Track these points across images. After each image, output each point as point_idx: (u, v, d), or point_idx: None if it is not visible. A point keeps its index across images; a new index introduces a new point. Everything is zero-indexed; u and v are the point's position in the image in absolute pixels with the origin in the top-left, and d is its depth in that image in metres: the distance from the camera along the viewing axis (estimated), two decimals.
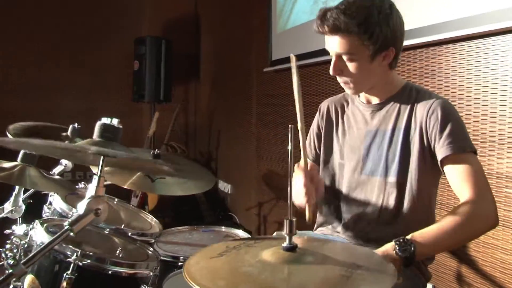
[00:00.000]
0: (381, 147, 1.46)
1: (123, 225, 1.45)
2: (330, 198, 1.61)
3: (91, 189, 0.93)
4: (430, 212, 1.49)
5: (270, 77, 3.63)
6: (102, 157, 0.85)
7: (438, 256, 2.06)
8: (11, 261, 0.81)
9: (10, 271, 0.81)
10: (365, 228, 1.50)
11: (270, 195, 3.80)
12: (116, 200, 1.79)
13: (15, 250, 1.26)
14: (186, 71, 5.34)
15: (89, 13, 4.89)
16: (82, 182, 1.98)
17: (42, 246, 0.85)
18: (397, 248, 1.21)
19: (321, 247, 0.97)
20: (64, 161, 1.71)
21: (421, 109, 1.40)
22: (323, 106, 1.67)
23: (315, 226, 1.70)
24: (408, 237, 1.24)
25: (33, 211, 1.71)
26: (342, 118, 1.60)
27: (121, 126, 1.06)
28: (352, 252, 1.00)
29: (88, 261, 1.14)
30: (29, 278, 1.15)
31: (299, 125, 1.29)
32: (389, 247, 1.23)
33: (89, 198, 0.92)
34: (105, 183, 1.98)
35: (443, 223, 1.27)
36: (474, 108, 1.88)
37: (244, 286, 0.80)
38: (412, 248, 1.20)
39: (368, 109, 1.52)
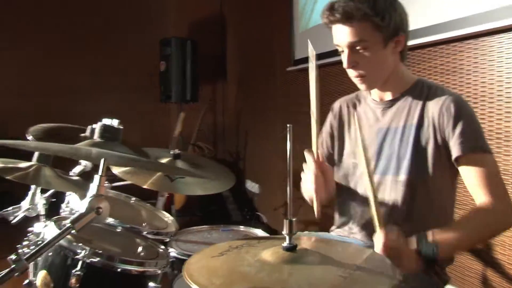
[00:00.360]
0: (393, 145, 1.43)
1: (136, 224, 1.48)
2: (345, 199, 1.59)
3: (92, 188, 0.96)
4: (447, 212, 1.45)
5: (294, 76, 3.62)
6: (103, 158, 0.87)
7: (462, 258, 2.01)
8: (13, 257, 0.84)
9: (13, 266, 0.85)
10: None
11: (296, 194, 3.78)
12: (133, 199, 1.82)
13: (31, 247, 1.31)
14: (213, 71, 5.38)
15: (116, 15, 5.01)
16: (106, 182, 2.03)
17: (44, 243, 0.88)
18: (421, 247, 1.17)
19: (324, 248, 0.97)
20: (83, 162, 1.76)
21: (433, 105, 1.37)
22: (336, 105, 1.66)
23: (333, 227, 1.69)
24: (430, 237, 1.19)
25: (55, 209, 1.77)
26: (354, 117, 1.58)
27: (121, 127, 1.07)
28: (355, 253, 0.99)
29: (98, 259, 1.17)
30: (42, 273, 1.19)
31: (313, 117, 1.29)
32: (413, 245, 1.19)
33: (90, 197, 0.94)
34: (125, 183, 2.04)
35: (463, 226, 1.27)
36: (497, 105, 1.82)
37: (239, 285, 0.80)
38: (435, 249, 1.17)
39: (380, 107, 1.50)
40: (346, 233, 1.60)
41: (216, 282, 0.82)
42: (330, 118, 1.65)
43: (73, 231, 0.90)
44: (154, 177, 1.82)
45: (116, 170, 1.75)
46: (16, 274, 0.87)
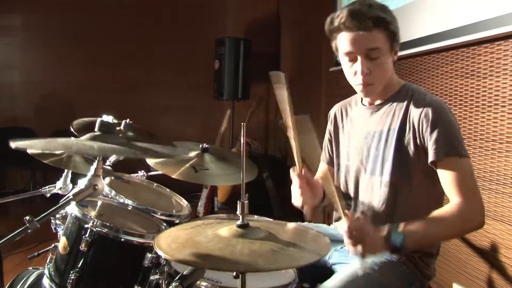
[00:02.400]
0: (378, 148, 1.51)
1: (150, 206, 1.69)
2: (343, 198, 1.70)
3: (91, 169, 1.17)
4: (431, 211, 1.51)
5: (336, 76, 3.69)
6: (97, 147, 1.07)
7: (472, 260, 2.03)
8: (27, 217, 1.07)
9: (27, 225, 1.07)
10: None
11: None
12: (155, 184, 2.04)
13: (62, 219, 1.57)
14: (266, 70, 5.53)
15: (176, 16, 5.38)
16: (142, 171, 2.26)
17: (51, 210, 1.10)
18: (389, 235, 1.26)
19: (275, 229, 1.10)
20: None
21: (414, 110, 1.43)
22: (332, 112, 1.75)
23: (333, 220, 1.80)
24: (400, 228, 1.28)
25: None
26: (346, 122, 1.67)
27: (116, 121, 1.27)
28: (300, 234, 1.12)
29: (105, 229, 1.39)
30: (63, 239, 1.43)
31: (290, 134, 1.41)
32: (385, 231, 1.28)
33: (89, 176, 1.16)
34: (156, 172, 2.26)
35: (432, 220, 1.32)
36: (509, 109, 1.84)
37: (189, 249, 0.97)
38: (402, 239, 1.25)
39: (369, 111, 1.57)
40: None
41: (173, 246, 0.99)
42: (328, 125, 1.76)
43: (73, 202, 1.12)
44: (182, 168, 2.02)
45: (149, 162, 1.97)
46: (29, 231, 1.09)
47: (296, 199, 1.52)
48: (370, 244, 1.25)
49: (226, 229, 1.06)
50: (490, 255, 1.95)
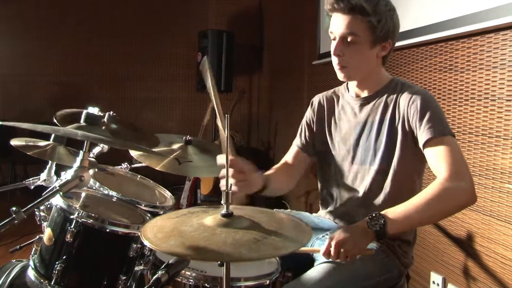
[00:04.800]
0: (370, 138, 1.56)
1: (134, 197, 1.71)
2: (324, 185, 1.74)
3: (77, 160, 1.18)
4: (415, 192, 1.54)
5: (319, 69, 3.72)
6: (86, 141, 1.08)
7: (449, 249, 2.09)
8: (14, 208, 1.08)
9: (13, 216, 1.08)
10: (351, 211, 1.61)
11: (316, 184, 3.91)
12: (138, 176, 2.06)
13: (47, 211, 1.57)
14: (249, 63, 5.57)
15: (158, 9, 5.35)
16: (126, 163, 2.27)
17: (37, 201, 1.11)
18: (368, 221, 1.31)
19: (259, 217, 1.13)
20: (101, 144, 1.98)
21: (403, 100, 1.49)
22: (315, 100, 1.78)
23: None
24: (382, 212, 1.32)
25: None
26: (333, 112, 1.71)
27: (101, 114, 1.29)
28: (282, 223, 1.15)
29: (90, 220, 1.40)
30: (47, 230, 1.44)
31: (218, 122, 1.41)
32: (362, 222, 1.34)
33: (75, 168, 1.17)
34: (140, 165, 2.27)
35: (416, 199, 1.33)
36: (484, 103, 1.90)
37: (174, 238, 0.99)
38: (383, 222, 1.29)
39: (357, 102, 1.62)
40: (324, 214, 1.74)
41: (158, 236, 1.02)
42: (309, 112, 1.78)
43: (60, 193, 1.13)
44: (166, 160, 2.03)
45: (133, 154, 1.98)
46: (16, 222, 1.10)
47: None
48: (353, 244, 1.30)
49: (211, 219, 1.09)
50: (466, 244, 2.01)
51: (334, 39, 1.51)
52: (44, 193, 1.13)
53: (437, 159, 1.38)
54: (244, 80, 5.59)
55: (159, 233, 1.04)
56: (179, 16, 5.36)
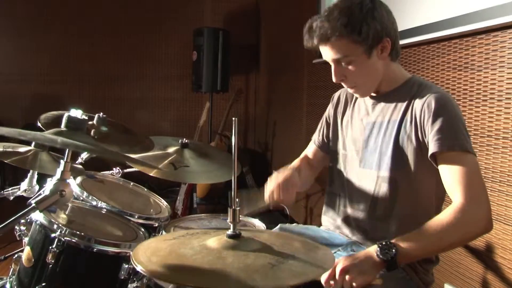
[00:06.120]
0: (377, 140, 1.44)
1: (127, 208, 1.54)
2: (333, 189, 1.61)
3: (58, 172, 1.02)
4: (432, 211, 1.41)
5: (320, 68, 3.59)
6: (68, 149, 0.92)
7: (465, 260, 1.96)
8: None
9: None
10: (363, 225, 1.48)
11: (316, 188, 3.77)
12: (131, 184, 1.89)
13: (27, 224, 1.40)
14: (246, 62, 5.42)
15: (154, 5, 5.15)
16: (117, 168, 2.10)
17: (9, 220, 0.95)
18: (378, 251, 1.19)
19: (270, 239, 0.98)
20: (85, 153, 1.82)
21: (418, 103, 1.35)
22: (336, 95, 1.68)
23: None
24: (393, 240, 1.21)
25: None
26: (349, 109, 1.60)
27: (85, 118, 1.12)
28: (299, 245, 0.99)
29: (75, 238, 1.23)
30: (26, 249, 1.28)
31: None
32: (372, 249, 1.21)
33: (55, 181, 1.00)
34: (130, 170, 2.11)
35: (430, 227, 1.22)
36: (506, 103, 1.76)
37: (172, 263, 0.84)
38: (394, 251, 1.17)
39: (370, 101, 1.51)
40: (332, 226, 1.60)
41: (153, 260, 0.86)
42: (329, 107, 1.68)
43: (37, 211, 0.97)
44: (161, 165, 1.88)
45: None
46: None
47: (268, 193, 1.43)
48: (358, 272, 1.16)
49: (214, 240, 0.93)
50: (484, 256, 1.87)
51: (330, 65, 1.41)
52: (21, 212, 0.96)
53: (451, 180, 1.25)
54: (241, 79, 5.44)
55: (153, 256, 0.88)
56: (174, 13, 5.19)
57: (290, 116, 4.41)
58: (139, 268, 0.84)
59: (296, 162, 1.69)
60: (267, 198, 1.43)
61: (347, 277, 1.14)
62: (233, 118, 0.96)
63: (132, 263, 0.86)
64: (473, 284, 1.93)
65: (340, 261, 1.18)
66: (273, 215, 3.85)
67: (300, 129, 4.05)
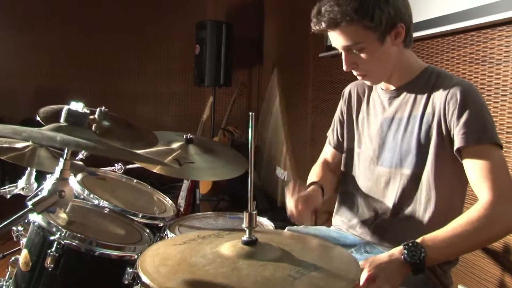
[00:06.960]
0: (396, 136, 1.36)
1: (130, 208, 1.46)
2: (346, 188, 1.53)
3: (57, 171, 0.94)
4: (456, 207, 1.34)
5: (326, 62, 3.50)
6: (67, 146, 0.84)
7: (482, 261, 1.89)
8: None
9: None
10: (382, 225, 1.40)
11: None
12: (134, 181, 1.82)
13: (25, 225, 1.33)
14: (249, 56, 5.33)
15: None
16: (119, 164, 2.02)
17: (4, 223, 0.87)
18: (406, 253, 1.11)
19: (290, 244, 0.90)
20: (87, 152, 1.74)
21: (439, 94, 1.27)
22: (346, 91, 1.60)
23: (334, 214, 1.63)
24: (418, 240, 1.13)
25: None
26: (364, 104, 1.52)
27: (87, 111, 1.03)
28: (323, 252, 0.91)
29: (75, 241, 1.16)
30: (24, 252, 1.20)
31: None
32: (397, 252, 1.14)
33: (54, 180, 0.93)
34: (133, 166, 2.03)
35: (457, 226, 1.15)
36: None
37: (182, 275, 0.76)
38: (422, 254, 1.10)
39: (386, 96, 1.42)
40: (345, 226, 1.53)
41: (162, 270, 0.79)
42: (341, 104, 1.60)
43: (35, 213, 0.89)
44: (165, 162, 1.80)
45: None
46: None
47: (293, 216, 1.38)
48: (385, 278, 1.09)
49: (229, 247, 0.85)
50: (502, 258, 1.80)
51: (340, 53, 1.33)
52: (17, 215, 0.88)
53: (477, 176, 1.17)
54: (244, 74, 5.36)
55: (162, 266, 0.80)
56: (176, 6, 5.09)
57: (294, 111, 4.33)
58: (146, 280, 0.76)
59: (318, 172, 1.61)
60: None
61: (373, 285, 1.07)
62: (250, 113, 0.89)
63: (139, 273, 0.78)
64: (489, 286, 1.86)
65: (365, 267, 1.10)
66: (280, 214, 3.77)
67: (305, 125, 3.97)
